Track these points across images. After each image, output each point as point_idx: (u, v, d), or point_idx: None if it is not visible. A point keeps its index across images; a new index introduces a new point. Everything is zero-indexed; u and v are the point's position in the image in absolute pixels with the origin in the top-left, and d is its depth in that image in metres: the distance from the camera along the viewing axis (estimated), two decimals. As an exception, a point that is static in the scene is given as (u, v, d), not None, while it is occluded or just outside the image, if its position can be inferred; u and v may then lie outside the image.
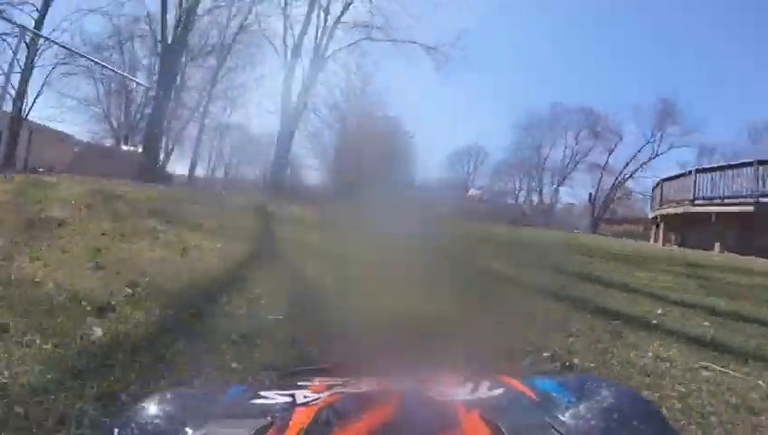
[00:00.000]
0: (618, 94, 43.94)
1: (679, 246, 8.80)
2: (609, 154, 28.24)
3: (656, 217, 10.65)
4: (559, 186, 30.09)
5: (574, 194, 31.43)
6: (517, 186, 34.53)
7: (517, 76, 42.12)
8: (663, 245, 9.53)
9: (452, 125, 38.37)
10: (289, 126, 18.29)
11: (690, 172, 9.46)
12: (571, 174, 29.89)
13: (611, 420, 0.49)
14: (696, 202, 8.70)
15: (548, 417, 0.47)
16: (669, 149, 26.78)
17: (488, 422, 0.45)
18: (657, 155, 27.17)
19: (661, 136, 26.67)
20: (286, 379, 0.76)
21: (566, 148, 29.68)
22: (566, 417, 0.48)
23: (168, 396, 0.58)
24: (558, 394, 0.54)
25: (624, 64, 37.37)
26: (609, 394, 0.54)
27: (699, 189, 8.74)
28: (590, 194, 28.75)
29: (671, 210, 9.54)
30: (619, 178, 28.45)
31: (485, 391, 0.54)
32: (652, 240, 10.73)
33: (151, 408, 0.54)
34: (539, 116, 29.25)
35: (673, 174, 10.94)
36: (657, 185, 11.58)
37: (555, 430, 0.46)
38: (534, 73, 40.85)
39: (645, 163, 27.36)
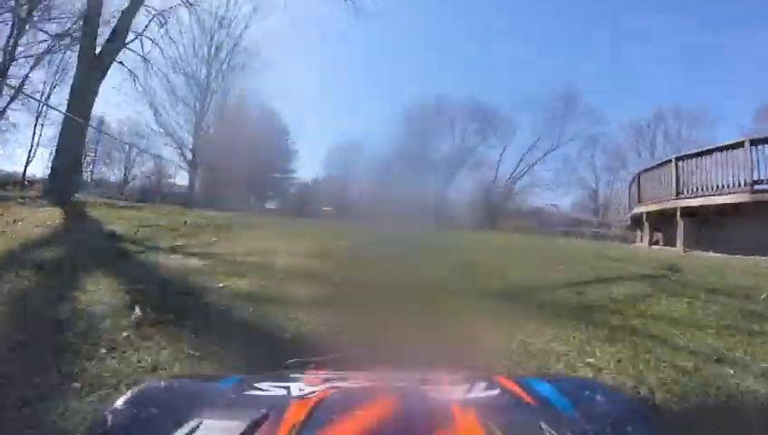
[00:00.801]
0: (506, 91, 44.46)
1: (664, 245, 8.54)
2: (503, 151, 27.54)
3: (638, 215, 10.45)
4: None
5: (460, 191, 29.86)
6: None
7: (399, 69, 39.45)
8: (650, 245, 9.39)
9: (336, 122, 37.99)
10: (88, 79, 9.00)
11: (670, 161, 8.82)
12: (459, 171, 28.31)
13: (605, 424, 0.49)
14: (682, 195, 7.91)
15: (542, 420, 0.47)
16: (570, 141, 26.60)
17: (483, 423, 0.45)
18: (556, 148, 26.89)
19: (560, 130, 26.53)
20: (282, 371, 0.75)
21: (455, 140, 28.10)
22: (560, 421, 0.48)
23: (162, 385, 0.58)
24: (553, 397, 0.54)
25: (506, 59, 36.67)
26: (604, 399, 0.55)
27: (684, 180, 8.01)
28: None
29: (653, 207, 9.35)
30: (514, 174, 27.77)
31: (481, 391, 0.54)
32: (638, 241, 10.64)
33: (144, 396, 0.54)
34: (423, 108, 27.30)
35: (651, 165, 10.32)
36: (634, 179, 10.90)
37: (549, 433, 0.46)
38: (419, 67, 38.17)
39: (540, 159, 26.96)
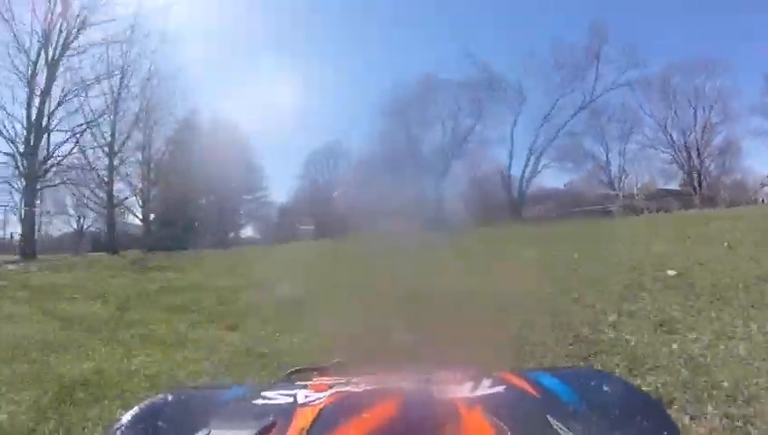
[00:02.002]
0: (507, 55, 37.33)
1: None
2: (515, 120, 23.25)
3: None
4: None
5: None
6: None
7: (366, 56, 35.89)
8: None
9: (306, 123, 34.61)
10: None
11: None
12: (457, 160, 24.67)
13: (612, 414, 0.49)
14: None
15: (549, 413, 0.48)
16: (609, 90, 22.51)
17: (489, 420, 0.45)
18: (591, 100, 22.92)
19: (596, 74, 22.80)
20: (287, 379, 0.75)
21: (444, 125, 24.36)
22: (567, 412, 0.49)
23: (170, 397, 0.58)
24: (558, 390, 0.54)
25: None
26: (610, 389, 0.55)
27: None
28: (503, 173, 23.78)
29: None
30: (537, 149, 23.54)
31: (486, 388, 0.55)
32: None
33: (154, 408, 0.54)
34: (406, 96, 23.90)
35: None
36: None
37: (556, 426, 0.46)
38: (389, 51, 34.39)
39: (570, 120, 22.58)
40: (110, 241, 20.31)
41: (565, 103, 23.84)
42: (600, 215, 20.63)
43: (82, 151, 19.60)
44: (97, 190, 20.77)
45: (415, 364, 0.69)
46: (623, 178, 25.12)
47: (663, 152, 24.44)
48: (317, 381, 0.63)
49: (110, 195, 20.77)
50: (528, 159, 24.47)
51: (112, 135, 20.20)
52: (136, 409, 0.54)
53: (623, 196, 24.11)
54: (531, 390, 0.54)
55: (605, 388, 0.56)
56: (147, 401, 0.56)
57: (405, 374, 0.62)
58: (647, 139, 24.51)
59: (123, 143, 20.68)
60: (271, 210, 29.27)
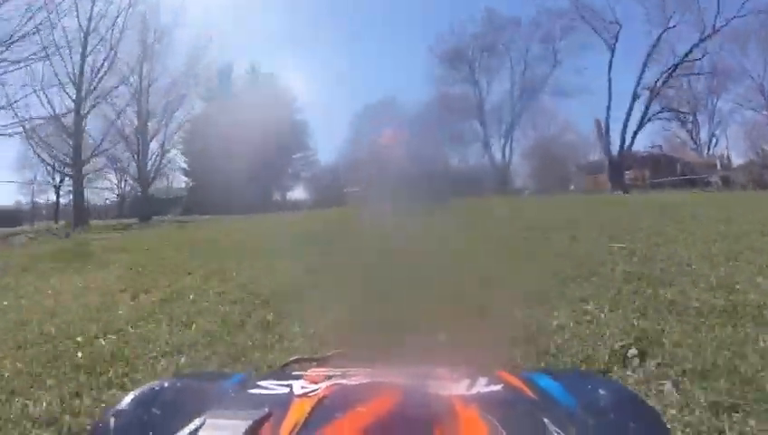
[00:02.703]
0: None
1: None
2: (611, 58, 18.83)
3: None
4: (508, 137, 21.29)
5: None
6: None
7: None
8: None
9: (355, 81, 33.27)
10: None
11: None
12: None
13: (607, 418, 0.50)
14: None
15: (545, 415, 0.47)
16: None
17: (485, 418, 0.45)
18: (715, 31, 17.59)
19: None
20: (284, 369, 0.77)
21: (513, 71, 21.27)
22: (563, 415, 0.49)
23: (166, 384, 0.59)
24: (556, 392, 0.54)
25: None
26: (606, 392, 0.55)
27: None
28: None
29: None
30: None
31: (483, 386, 0.55)
32: None
33: (147, 397, 0.55)
34: (465, 39, 21.44)
35: None
36: None
37: (552, 428, 0.46)
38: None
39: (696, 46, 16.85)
40: (146, 207, 20.70)
41: (670, 38, 19.44)
42: (691, 186, 17.52)
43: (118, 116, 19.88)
44: (134, 157, 21.43)
45: (413, 359, 0.68)
46: (713, 144, 21.54)
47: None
48: (315, 371, 0.63)
49: (143, 161, 21.11)
50: (631, 106, 20.38)
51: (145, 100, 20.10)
52: (132, 395, 0.55)
53: (721, 165, 20.62)
54: (527, 390, 0.54)
55: (602, 392, 0.56)
56: (143, 388, 0.57)
57: (403, 369, 0.62)
58: (741, 98, 20.43)
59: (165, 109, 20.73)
60: (318, 170, 27.64)
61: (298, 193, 28.51)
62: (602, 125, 21.77)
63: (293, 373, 0.63)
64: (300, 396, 0.52)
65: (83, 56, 19.10)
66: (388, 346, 0.77)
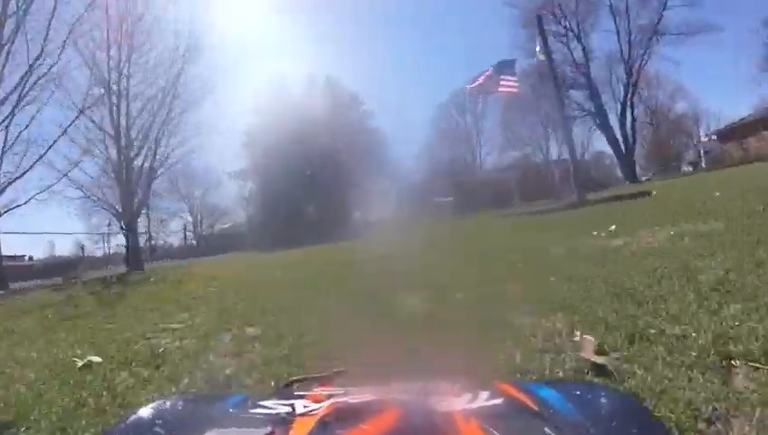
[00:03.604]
0: None
1: None
2: None
3: None
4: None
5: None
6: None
7: None
8: None
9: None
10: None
11: None
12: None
13: (609, 427, 0.49)
14: None
15: (547, 427, 0.47)
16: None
17: (487, 432, 0.45)
18: None
19: None
20: (286, 388, 0.77)
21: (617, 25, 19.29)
22: (565, 426, 0.48)
23: (167, 403, 0.60)
24: (557, 403, 0.54)
25: None
26: (609, 402, 0.55)
27: None
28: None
29: None
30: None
31: (484, 400, 0.54)
32: None
33: (150, 415, 0.55)
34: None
35: None
36: None
37: None
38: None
39: None
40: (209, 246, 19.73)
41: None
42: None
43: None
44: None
45: (414, 376, 0.67)
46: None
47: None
48: (316, 391, 0.63)
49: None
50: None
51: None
52: (134, 415, 0.55)
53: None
54: (529, 402, 0.54)
55: (603, 401, 0.56)
56: (146, 407, 0.57)
57: (403, 386, 0.62)
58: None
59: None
60: (395, 183, 24.93)
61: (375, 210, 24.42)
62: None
63: (295, 393, 0.64)
64: (302, 415, 0.52)
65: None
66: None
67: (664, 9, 23.16)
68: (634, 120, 28.27)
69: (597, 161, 32.96)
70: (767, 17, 24.30)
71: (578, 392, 0.58)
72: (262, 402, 0.58)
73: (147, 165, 18.20)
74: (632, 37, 25.28)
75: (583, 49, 27.55)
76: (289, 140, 19.75)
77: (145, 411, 0.56)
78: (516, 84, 15.14)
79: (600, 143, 29.59)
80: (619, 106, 28.07)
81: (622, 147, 27.24)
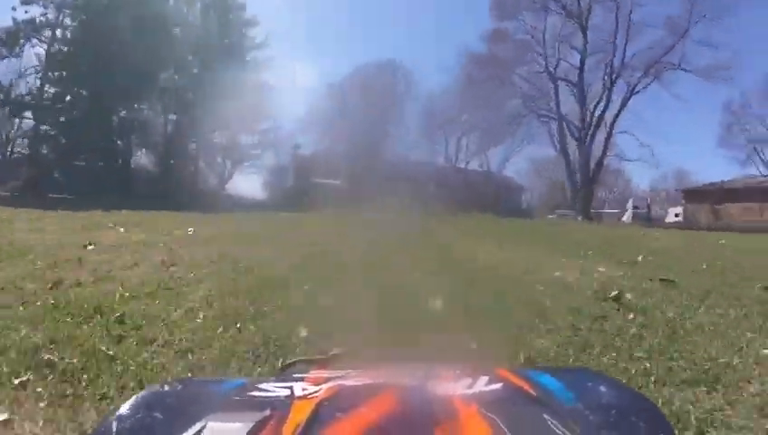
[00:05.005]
0: None
1: None
2: None
3: None
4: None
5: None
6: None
7: None
8: None
9: None
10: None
11: None
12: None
13: (609, 415, 0.50)
14: None
15: (546, 412, 0.47)
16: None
17: (486, 417, 0.45)
18: None
19: None
20: (284, 371, 0.77)
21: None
22: (564, 412, 0.49)
23: (167, 388, 0.59)
24: (556, 389, 0.54)
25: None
26: (607, 390, 0.56)
27: None
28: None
29: None
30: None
31: (484, 384, 0.55)
32: None
33: (148, 400, 0.55)
34: None
35: None
36: None
37: (553, 425, 0.46)
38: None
39: None
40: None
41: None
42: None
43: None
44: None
45: (413, 359, 0.68)
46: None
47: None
48: (315, 373, 0.63)
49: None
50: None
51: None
52: (131, 399, 0.55)
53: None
54: (528, 388, 0.54)
55: (602, 389, 0.56)
56: (144, 392, 0.57)
57: (403, 369, 0.62)
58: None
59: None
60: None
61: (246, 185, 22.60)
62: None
63: (294, 376, 0.63)
64: (301, 398, 0.52)
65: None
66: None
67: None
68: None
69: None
70: (726, 101, 28.11)
71: (576, 380, 0.60)
72: (260, 386, 0.58)
73: None
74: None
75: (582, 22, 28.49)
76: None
77: (143, 396, 0.56)
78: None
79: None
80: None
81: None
